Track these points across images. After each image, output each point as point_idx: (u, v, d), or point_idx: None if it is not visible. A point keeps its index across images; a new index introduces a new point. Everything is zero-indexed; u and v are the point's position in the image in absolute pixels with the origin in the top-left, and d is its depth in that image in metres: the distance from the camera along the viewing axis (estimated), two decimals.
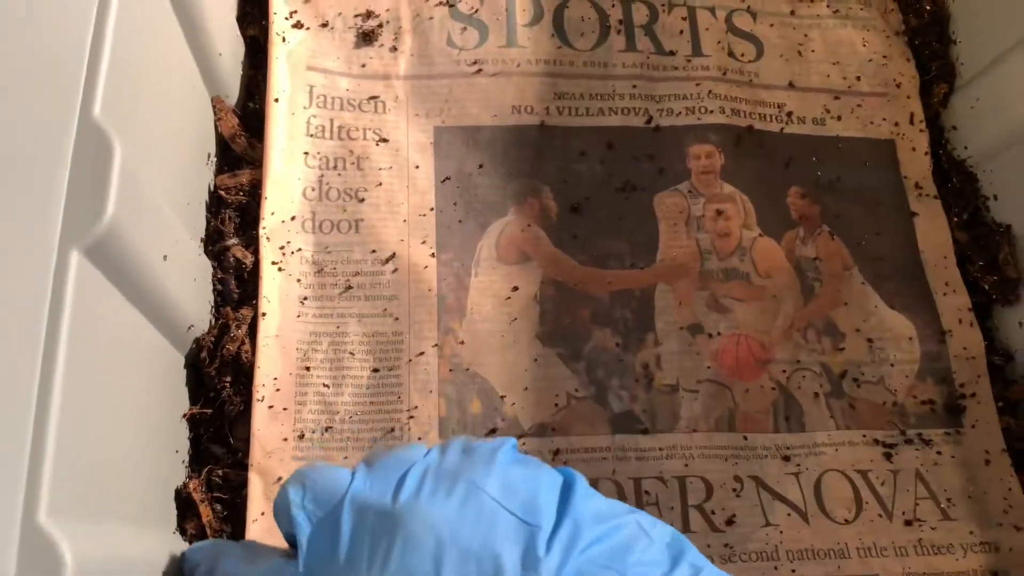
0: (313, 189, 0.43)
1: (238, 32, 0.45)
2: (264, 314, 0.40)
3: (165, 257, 0.33)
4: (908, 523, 0.40)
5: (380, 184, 0.44)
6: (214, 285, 0.40)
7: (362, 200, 0.43)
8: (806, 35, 0.50)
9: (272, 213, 0.42)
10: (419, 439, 0.39)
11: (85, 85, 0.28)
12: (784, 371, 0.42)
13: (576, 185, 0.45)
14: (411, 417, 0.40)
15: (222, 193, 0.42)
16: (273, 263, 0.41)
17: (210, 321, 0.39)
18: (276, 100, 0.44)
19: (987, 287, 0.45)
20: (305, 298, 0.41)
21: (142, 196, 0.31)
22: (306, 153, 0.43)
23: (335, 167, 0.44)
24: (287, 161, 0.43)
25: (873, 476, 0.41)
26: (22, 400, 0.24)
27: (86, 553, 0.25)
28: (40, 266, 0.25)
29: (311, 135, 0.44)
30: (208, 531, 0.36)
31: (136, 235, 0.30)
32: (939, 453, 0.42)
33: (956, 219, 0.47)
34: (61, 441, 0.25)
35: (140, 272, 0.31)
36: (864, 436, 0.42)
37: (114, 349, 0.30)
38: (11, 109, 0.25)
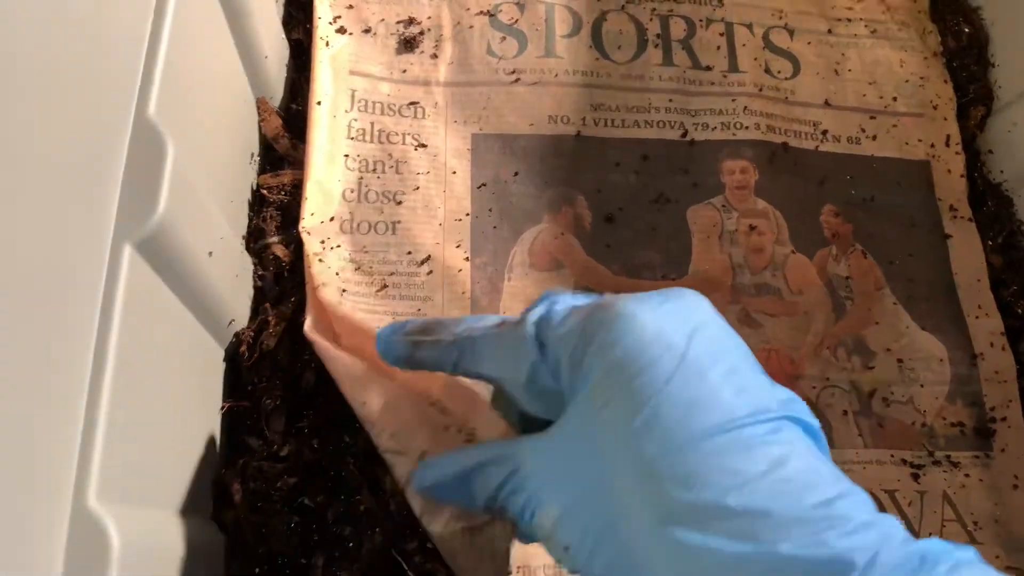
0: (352, 191, 0.44)
1: (283, 35, 0.46)
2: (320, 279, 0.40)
3: (211, 253, 0.34)
4: None
5: (417, 188, 0.44)
6: (254, 281, 0.41)
7: (399, 203, 0.44)
8: (843, 54, 0.50)
9: (312, 213, 0.42)
10: None
11: (141, 86, 0.29)
12: (813, 388, 0.42)
13: (610, 195, 0.46)
14: None
15: (264, 192, 0.43)
16: (315, 254, 0.41)
17: (249, 316, 0.40)
18: (319, 103, 0.45)
19: (1021, 311, 0.45)
20: (344, 290, 0.41)
21: (191, 194, 0.32)
22: (346, 156, 0.44)
23: (374, 170, 0.44)
24: (328, 163, 0.44)
25: (900, 496, 0.41)
26: (75, 386, 0.25)
27: (131, 536, 0.25)
28: (94, 258, 0.26)
29: (352, 138, 0.45)
30: (242, 521, 0.36)
31: (185, 231, 0.31)
32: (967, 476, 0.41)
33: (991, 242, 0.47)
34: (111, 427, 0.25)
35: (187, 267, 0.32)
36: (892, 456, 0.41)
37: (160, 341, 0.31)
38: (71, 108, 0.26)
